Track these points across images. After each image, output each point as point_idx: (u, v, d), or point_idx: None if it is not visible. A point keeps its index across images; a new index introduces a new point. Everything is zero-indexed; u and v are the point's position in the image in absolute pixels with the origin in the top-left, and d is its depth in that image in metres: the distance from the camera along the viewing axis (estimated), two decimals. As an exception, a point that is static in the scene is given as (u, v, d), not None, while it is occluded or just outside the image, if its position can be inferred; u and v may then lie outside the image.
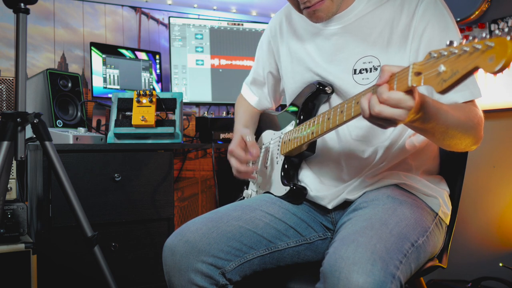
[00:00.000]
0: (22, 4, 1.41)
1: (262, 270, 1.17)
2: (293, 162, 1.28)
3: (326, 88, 1.22)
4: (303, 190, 1.25)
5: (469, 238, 2.26)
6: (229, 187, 2.47)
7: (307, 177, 1.27)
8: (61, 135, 1.85)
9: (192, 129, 2.68)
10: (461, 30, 2.25)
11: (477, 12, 2.17)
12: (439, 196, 1.18)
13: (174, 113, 2.02)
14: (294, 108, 1.31)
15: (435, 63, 0.76)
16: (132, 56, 2.44)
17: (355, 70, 1.18)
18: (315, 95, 1.23)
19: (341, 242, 0.94)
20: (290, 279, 1.20)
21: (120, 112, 1.99)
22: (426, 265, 1.12)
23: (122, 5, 2.61)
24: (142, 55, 2.47)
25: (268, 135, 1.43)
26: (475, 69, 0.70)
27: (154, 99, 1.95)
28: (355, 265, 0.87)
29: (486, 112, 2.08)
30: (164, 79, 2.64)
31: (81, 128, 1.97)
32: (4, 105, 2.05)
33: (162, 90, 2.54)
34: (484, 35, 0.69)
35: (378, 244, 0.92)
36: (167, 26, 2.68)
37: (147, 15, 2.69)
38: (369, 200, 1.12)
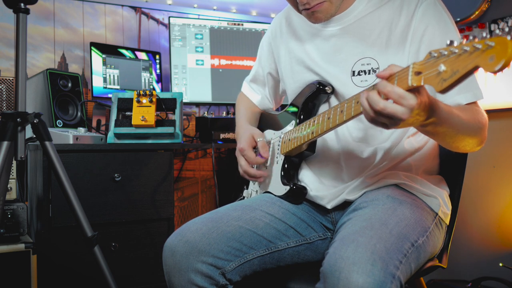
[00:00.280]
0: (22, 4, 1.41)
1: (262, 270, 1.17)
2: (293, 162, 1.28)
3: (326, 88, 1.22)
4: (303, 189, 1.25)
5: (469, 238, 2.26)
6: (229, 187, 2.47)
7: (307, 177, 1.27)
8: (61, 135, 1.86)
9: (192, 129, 2.68)
10: (461, 30, 2.25)
11: (477, 12, 2.17)
12: (439, 196, 1.18)
13: (174, 113, 2.02)
14: (294, 108, 1.31)
15: (435, 62, 0.76)
16: (132, 56, 2.44)
17: (353, 72, 1.18)
18: (315, 95, 1.23)
19: (341, 242, 0.94)
20: (290, 279, 1.20)
21: (120, 112, 1.99)
22: (426, 265, 1.12)
23: (122, 5, 2.61)
24: (142, 55, 2.47)
25: (268, 135, 1.43)
26: (475, 68, 0.70)
27: (154, 99, 1.95)
28: (355, 265, 0.87)
29: (486, 112, 2.08)
30: (164, 79, 2.64)
31: (81, 128, 1.97)
32: (4, 105, 2.05)
33: (162, 90, 2.54)
34: (484, 34, 0.69)
35: (378, 244, 0.92)
36: (167, 26, 2.68)
37: (147, 15, 2.69)
38: (369, 200, 1.12)
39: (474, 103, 1.09)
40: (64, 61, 2.45)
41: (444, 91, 0.75)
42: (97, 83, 2.31)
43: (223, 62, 2.59)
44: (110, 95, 2.25)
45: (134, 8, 2.65)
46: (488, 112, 2.23)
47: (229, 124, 2.24)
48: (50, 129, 1.51)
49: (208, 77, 2.56)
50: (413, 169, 1.20)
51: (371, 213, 1.05)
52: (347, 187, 1.20)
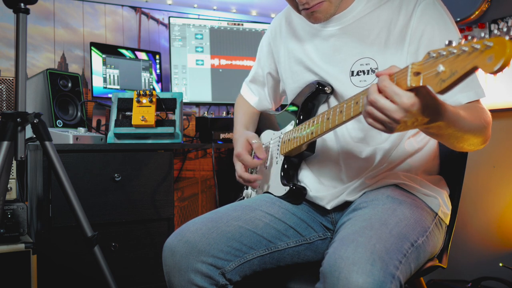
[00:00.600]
0: (22, 4, 1.41)
1: (262, 270, 1.17)
2: (293, 162, 1.28)
3: (325, 88, 1.22)
4: (303, 190, 1.25)
5: (469, 238, 2.26)
6: (229, 187, 2.47)
7: (307, 177, 1.27)
8: (61, 135, 1.86)
9: (192, 129, 2.68)
10: (461, 30, 2.25)
11: (477, 12, 2.17)
12: (438, 196, 1.18)
13: (174, 113, 2.02)
14: (293, 108, 1.31)
15: (434, 63, 0.76)
16: (132, 56, 2.44)
17: (352, 72, 1.18)
18: (315, 95, 1.23)
19: (340, 242, 0.94)
20: (290, 279, 1.20)
21: (120, 112, 1.99)
22: (426, 265, 1.12)
23: (122, 5, 2.61)
24: (142, 55, 2.47)
25: (267, 135, 1.43)
26: (474, 69, 0.70)
27: (154, 99, 1.95)
28: (354, 265, 0.87)
29: (486, 112, 2.08)
30: (164, 79, 2.64)
31: (81, 128, 1.97)
32: (4, 105, 2.05)
33: (162, 90, 2.54)
34: (483, 35, 0.69)
35: (377, 244, 0.92)
36: (167, 26, 2.68)
37: (147, 15, 2.69)
38: (369, 200, 1.12)
39: (477, 101, 1.09)
40: (64, 61, 2.45)
41: (443, 91, 0.75)
42: (97, 83, 2.31)
43: (223, 62, 2.59)
44: (110, 95, 2.25)
45: (134, 8, 2.65)
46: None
47: (229, 124, 2.24)
48: (50, 129, 1.51)
49: (208, 77, 2.56)
50: (413, 169, 1.20)
51: (371, 213, 1.05)
52: (347, 188, 1.20)
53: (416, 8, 1.13)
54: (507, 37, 0.66)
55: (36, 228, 1.87)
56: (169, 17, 2.52)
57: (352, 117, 0.97)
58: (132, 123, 1.92)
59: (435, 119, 0.87)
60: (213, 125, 2.24)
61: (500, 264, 2.08)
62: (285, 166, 1.28)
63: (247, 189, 1.48)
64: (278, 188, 1.28)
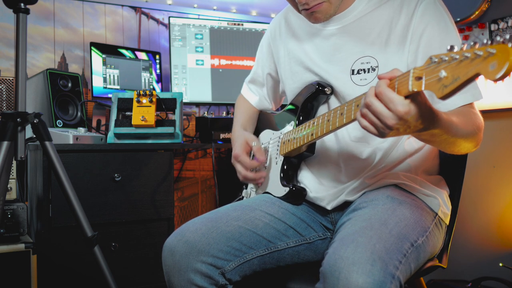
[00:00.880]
0: (22, 4, 1.41)
1: (262, 270, 1.17)
2: (292, 162, 1.28)
3: (325, 89, 1.22)
4: (303, 191, 1.25)
5: (469, 238, 2.26)
6: (229, 187, 2.47)
7: (306, 178, 1.27)
8: (61, 135, 1.86)
9: (192, 129, 2.68)
10: (461, 30, 2.25)
11: (477, 12, 2.17)
12: (438, 196, 1.18)
13: (174, 113, 2.02)
14: (293, 109, 1.30)
15: (436, 68, 0.75)
16: (132, 56, 2.44)
17: (353, 71, 1.18)
18: (314, 95, 1.23)
19: (340, 242, 0.94)
20: (290, 279, 1.20)
21: (120, 112, 1.99)
22: (426, 265, 1.12)
23: (122, 5, 2.61)
24: (142, 55, 2.47)
25: (266, 135, 1.43)
26: (476, 75, 0.70)
27: (154, 99, 1.95)
28: (354, 265, 0.87)
29: (486, 112, 2.08)
30: (164, 79, 2.64)
31: (81, 128, 1.97)
32: (4, 105, 2.05)
33: (162, 90, 2.54)
34: (485, 41, 0.69)
35: (377, 244, 0.92)
36: (167, 26, 2.68)
37: (147, 15, 2.69)
38: (369, 200, 1.12)
39: (471, 105, 1.09)
40: (64, 61, 2.45)
41: (445, 97, 0.74)
42: (97, 83, 2.31)
43: (223, 62, 2.59)
44: (110, 95, 2.25)
45: (134, 8, 2.65)
46: (488, 112, 2.24)
47: (229, 124, 2.24)
48: (50, 129, 1.51)
49: (208, 77, 2.56)
50: (413, 169, 1.20)
51: (371, 213, 1.05)
52: (347, 188, 1.20)
53: (418, 8, 1.13)
54: (510, 44, 0.65)
55: (36, 228, 1.87)
56: (169, 17, 2.52)
57: (353, 120, 0.97)
58: (132, 123, 1.92)
59: (428, 127, 0.88)
60: (213, 125, 2.24)
61: (500, 264, 2.08)
62: (285, 167, 1.28)
63: (246, 188, 1.48)
64: (278, 188, 1.28)
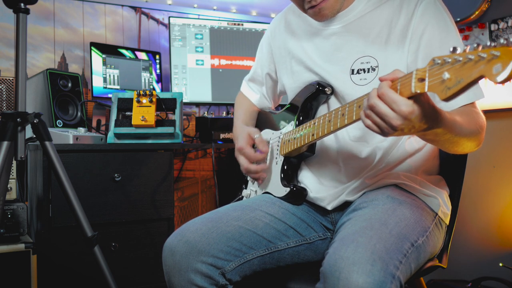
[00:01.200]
0: (22, 4, 1.41)
1: (262, 270, 1.17)
2: (293, 162, 1.28)
3: (326, 89, 1.22)
4: (303, 191, 1.25)
5: (469, 238, 2.26)
6: (229, 187, 2.47)
7: (307, 178, 1.27)
8: (61, 135, 1.85)
9: (192, 129, 2.68)
10: (461, 30, 2.25)
11: (477, 12, 2.17)
12: (438, 196, 1.18)
13: (174, 113, 2.02)
14: (293, 108, 1.30)
15: (439, 70, 0.75)
16: (132, 56, 2.44)
17: (352, 70, 1.18)
18: (314, 95, 1.23)
19: (340, 242, 0.94)
20: (290, 279, 1.20)
21: (120, 112, 1.99)
22: (426, 265, 1.12)
23: (122, 5, 2.61)
24: (142, 55, 2.47)
25: (266, 135, 1.43)
26: (480, 78, 0.70)
27: (154, 99, 1.95)
28: (354, 265, 0.87)
29: (486, 112, 2.07)
30: (164, 79, 2.64)
31: (81, 128, 1.97)
32: (4, 105, 2.05)
33: (162, 90, 2.54)
34: (488, 43, 0.69)
35: (377, 244, 0.92)
36: (167, 26, 2.68)
37: (147, 15, 2.69)
38: (369, 200, 1.12)
39: (473, 104, 1.09)
40: (64, 61, 2.45)
41: (448, 99, 0.74)
42: (97, 83, 2.31)
43: (223, 62, 2.59)
44: (110, 95, 2.25)
45: (134, 8, 2.65)
46: (488, 112, 2.23)
47: (229, 124, 2.24)
48: (50, 129, 1.51)
49: (208, 77, 2.56)
50: (413, 169, 1.20)
51: (371, 213, 1.05)
52: (347, 188, 1.20)
53: (417, 8, 1.13)
54: None
55: (36, 228, 1.87)
56: (169, 17, 2.52)
57: (354, 120, 0.97)
58: (132, 123, 1.92)
59: (432, 126, 0.88)
60: (213, 125, 2.24)
61: (500, 264, 2.08)
62: (285, 167, 1.28)
63: (246, 188, 1.48)
64: (278, 189, 1.28)
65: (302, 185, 1.27)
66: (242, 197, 1.47)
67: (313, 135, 1.13)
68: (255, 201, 1.26)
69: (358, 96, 0.97)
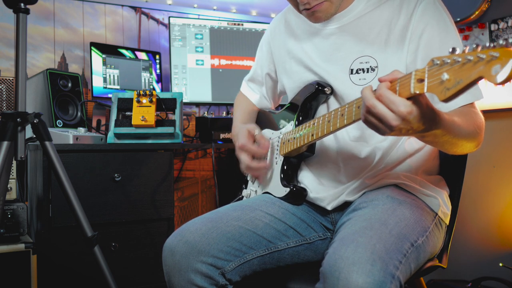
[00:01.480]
0: (22, 4, 1.41)
1: (262, 270, 1.17)
2: (292, 162, 1.28)
3: (325, 89, 1.21)
4: (303, 191, 1.25)
5: (469, 238, 2.26)
6: (229, 187, 2.47)
7: (307, 178, 1.27)
8: (61, 135, 1.86)
9: (192, 129, 2.68)
10: (461, 30, 2.25)
11: (477, 12, 2.17)
12: (438, 196, 1.18)
13: (174, 113, 2.02)
14: (293, 108, 1.30)
15: (438, 70, 0.75)
16: (132, 56, 2.44)
17: (351, 70, 1.18)
18: (314, 95, 1.23)
19: (340, 242, 0.94)
20: (290, 279, 1.20)
21: (120, 112, 1.99)
22: (426, 265, 1.12)
23: (122, 5, 2.61)
24: (142, 55, 2.47)
25: (266, 134, 1.42)
26: (479, 79, 0.69)
27: (154, 99, 1.95)
28: (354, 265, 0.87)
29: (486, 112, 2.08)
30: (164, 79, 2.64)
31: (81, 128, 1.97)
32: (4, 105, 2.05)
33: (162, 90, 2.54)
34: (487, 44, 0.69)
35: (377, 244, 0.92)
36: (167, 26, 2.68)
37: (147, 15, 2.69)
38: (369, 200, 1.12)
39: (471, 104, 1.09)
40: (64, 61, 2.45)
41: (447, 100, 0.74)
42: (97, 83, 2.31)
43: (223, 62, 2.59)
44: (110, 95, 2.25)
45: (134, 8, 2.65)
46: (488, 112, 2.23)
47: (229, 124, 2.23)
48: (50, 129, 1.51)
49: (208, 77, 2.56)
50: (413, 169, 1.20)
51: (371, 213, 1.05)
52: (347, 188, 1.20)
53: (417, 8, 1.13)
54: None
55: (36, 228, 1.87)
56: (169, 17, 2.52)
57: (354, 121, 0.97)
58: (132, 123, 1.92)
59: (431, 128, 0.88)
60: (213, 125, 2.24)
61: (500, 264, 2.08)
62: (285, 167, 1.28)
63: (246, 188, 1.48)
64: (278, 189, 1.28)
65: (302, 185, 1.27)
66: (242, 197, 1.47)
67: (312, 135, 1.13)
68: (255, 201, 1.26)
69: (357, 96, 0.97)
